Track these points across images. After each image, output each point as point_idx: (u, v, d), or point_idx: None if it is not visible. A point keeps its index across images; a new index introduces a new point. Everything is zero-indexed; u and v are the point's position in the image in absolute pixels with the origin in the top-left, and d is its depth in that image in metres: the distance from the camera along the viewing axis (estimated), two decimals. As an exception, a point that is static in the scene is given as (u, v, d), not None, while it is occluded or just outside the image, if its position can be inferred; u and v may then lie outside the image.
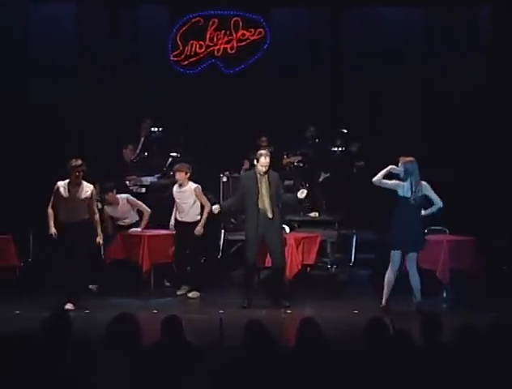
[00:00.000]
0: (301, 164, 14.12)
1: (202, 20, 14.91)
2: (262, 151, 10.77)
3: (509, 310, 9.75)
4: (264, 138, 13.96)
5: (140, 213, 11.91)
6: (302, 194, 10.77)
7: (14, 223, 11.96)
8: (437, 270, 10.94)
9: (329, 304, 10.69)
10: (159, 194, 13.03)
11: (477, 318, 7.69)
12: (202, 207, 11.35)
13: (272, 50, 14.80)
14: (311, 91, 14.43)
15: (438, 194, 10.07)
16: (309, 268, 11.99)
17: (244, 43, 14.90)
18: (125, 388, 5.04)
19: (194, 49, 14.91)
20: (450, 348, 5.52)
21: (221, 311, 10.03)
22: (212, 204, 11.23)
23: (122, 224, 11.90)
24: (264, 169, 10.58)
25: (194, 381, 5.09)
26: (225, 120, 14.23)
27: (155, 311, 10.09)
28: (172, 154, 13.86)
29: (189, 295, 11.22)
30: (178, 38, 14.90)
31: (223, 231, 12.65)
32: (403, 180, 10.01)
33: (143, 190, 13.52)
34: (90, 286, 11.25)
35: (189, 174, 11.38)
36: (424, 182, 10.05)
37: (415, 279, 10.11)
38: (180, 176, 11.36)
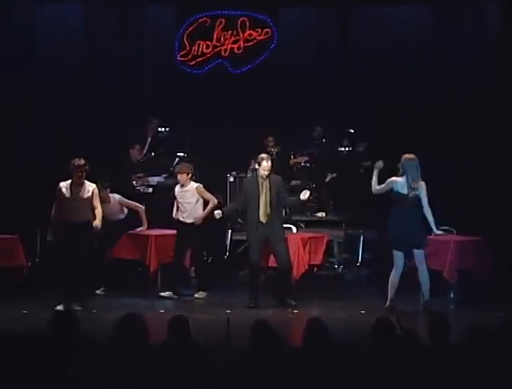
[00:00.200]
0: (308, 165, 14.10)
1: (209, 20, 14.89)
2: (264, 155, 10.68)
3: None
4: (271, 139, 13.97)
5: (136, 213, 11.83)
6: (305, 194, 10.67)
7: (22, 223, 11.99)
8: (445, 270, 10.89)
9: (336, 304, 10.68)
10: (165, 194, 13.01)
11: (485, 319, 7.65)
12: (206, 204, 11.23)
13: (279, 50, 14.76)
14: (318, 91, 14.39)
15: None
16: (315, 268, 11.98)
17: (251, 43, 14.87)
18: (132, 388, 5.05)
19: (200, 49, 14.90)
20: (457, 348, 5.51)
21: (228, 311, 10.03)
22: (218, 202, 11.21)
23: (109, 221, 11.79)
24: (266, 173, 10.49)
25: (201, 381, 5.10)
26: (232, 120, 14.21)
27: (162, 311, 10.11)
28: (179, 154, 13.84)
29: (196, 295, 11.21)
30: (185, 38, 14.89)
31: (230, 231, 12.65)
32: (401, 176, 10.00)
33: (150, 190, 13.52)
34: (97, 291, 11.24)
35: (190, 175, 11.27)
36: (422, 182, 10.01)
37: (424, 276, 10.05)
38: (182, 177, 11.23)
